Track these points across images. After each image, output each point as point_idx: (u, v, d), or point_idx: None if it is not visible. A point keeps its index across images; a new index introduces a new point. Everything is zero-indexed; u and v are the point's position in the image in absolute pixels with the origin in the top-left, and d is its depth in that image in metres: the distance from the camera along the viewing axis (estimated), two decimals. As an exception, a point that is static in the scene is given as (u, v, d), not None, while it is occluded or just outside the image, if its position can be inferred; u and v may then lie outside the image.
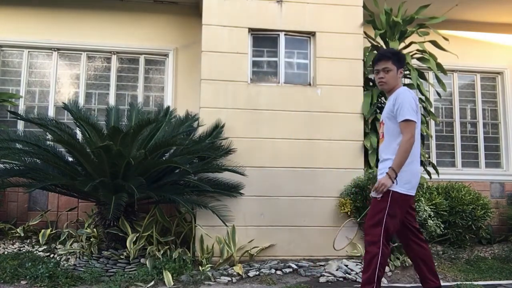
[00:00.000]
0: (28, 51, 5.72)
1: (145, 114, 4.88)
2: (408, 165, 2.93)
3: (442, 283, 4.11)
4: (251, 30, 4.88)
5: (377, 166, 4.78)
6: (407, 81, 5.68)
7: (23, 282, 3.70)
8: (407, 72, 5.23)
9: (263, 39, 4.98)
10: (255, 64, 4.96)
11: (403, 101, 2.93)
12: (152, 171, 4.19)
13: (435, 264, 4.70)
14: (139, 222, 4.35)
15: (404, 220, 3.10)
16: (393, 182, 2.88)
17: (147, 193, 3.97)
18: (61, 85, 5.78)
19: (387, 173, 2.90)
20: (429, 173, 5.31)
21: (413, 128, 2.92)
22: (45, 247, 4.68)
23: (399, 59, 3.14)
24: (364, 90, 4.97)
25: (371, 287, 2.87)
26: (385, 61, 3.10)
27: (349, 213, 4.53)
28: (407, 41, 5.19)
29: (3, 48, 5.70)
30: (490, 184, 6.27)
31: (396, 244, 4.52)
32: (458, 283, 4.08)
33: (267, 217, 4.61)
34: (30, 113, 5.34)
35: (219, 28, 4.79)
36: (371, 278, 2.87)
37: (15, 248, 4.68)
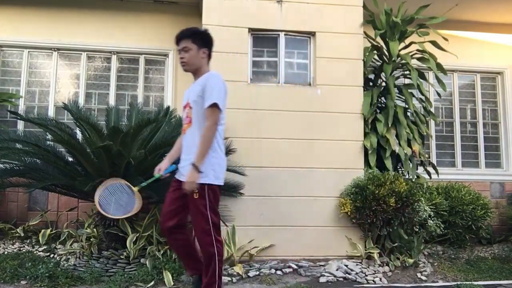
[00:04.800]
0: (28, 51, 5.72)
1: (145, 114, 4.88)
2: (220, 153, 2.85)
3: (442, 283, 4.17)
4: (251, 30, 4.88)
5: (376, 166, 4.81)
6: (407, 81, 5.70)
7: (23, 282, 3.70)
8: (407, 72, 5.24)
9: (263, 39, 4.98)
10: (255, 64, 4.96)
11: (215, 86, 2.79)
12: (152, 171, 4.18)
13: (435, 264, 4.72)
14: (139, 222, 4.35)
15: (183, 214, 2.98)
16: (199, 172, 2.72)
17: (147, 193, 3.96)
18: (61, 85, 5.78)
19: (192, 167, 2.72)
20: (429, 173, 5.31)
21: (218, 115, 2.77)
22: (45, 247, 4.68)
23: (201, 38, 2.96)
24: (364, 90, 4.96)
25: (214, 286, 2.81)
26: (185, 40, 2.92)
27: (349, 213, 4.54)
28: (407, 41, 5.19)
29: (3, 48, 5.70)
30: (490, 184, 6.27)
31: (396, 244, 4.52)
32: (458, 283, 4.09)
33: (267, 217, 4.61)
34: (30, 113, 5.34)
35: (219, 28, 4.78)
36: (212, 279, 2.80)
37: (15, 248, 4.68)
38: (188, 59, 2.92)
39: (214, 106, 2.74)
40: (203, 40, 2.97)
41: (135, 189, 2.93)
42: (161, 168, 3.02)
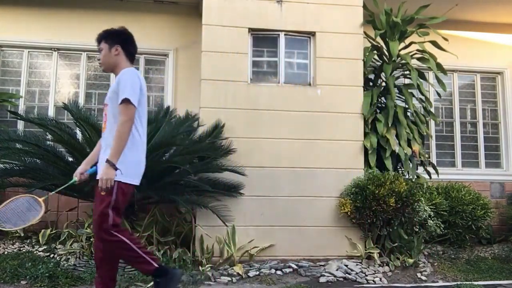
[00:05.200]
0: (28, 51, 5.71)
1: (145, 114, 4.86)
2: (132, 151, 2.72)
3: (442, 283, 4.16)
4: (251, 30, 4.88)
5: (376, 166, 4.81)
6: (407, 81, 5.70)
7: (23, 282, 3.70)
8: (407, 72, 5.24)
9: (263, 39, 4.98)
10: (255, 64, 4.96)
11: (127, 81, 2.72)
12: (152, 171, 4.17)
13: (435, 264, 4.72)
14: (139, 222, 4.35)
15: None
16: (117, 169, 2.63)
17: (147, 193, 3.97)
18: (61, 85, 5.78)
19: (107, 163, 2.62)
20: (429, 173, 5.31)
21: (132, 111, 2.68)
22: (45, 247, 4.67)
23: (111, 37, 2.93)
24: (364, 90, 4.97)
25: (150, 265, 2.68)
26: (101, 42, 2.94)
27: (349, 213, 4.53)
28: (407, 41, 5.19)
29: (3, 48, 5.70)
30: (490, 184, 6.27)
31: (396, 244, 4.52)
32: (458, 283, 4.09)
33: (267, 217, 4.61)
34: (30, 113, 5.33)
35: (219, 28, 4.79)
36: (140, 257, 2.68)
37: (15, 248, 4.68)
38: (101, 59, 2.93)
39: (126, 101, 2.66)
40: (114, 38, 2.93)
41: (41, 199, 2.90)
42: (78, 172, 2.92)
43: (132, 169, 2.74)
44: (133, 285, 3.72)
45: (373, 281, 4.10)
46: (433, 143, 6.38)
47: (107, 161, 2.62)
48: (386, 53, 5.22)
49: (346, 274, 4.16)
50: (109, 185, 2.62)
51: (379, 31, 5.09)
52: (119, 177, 2.67)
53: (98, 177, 2.70)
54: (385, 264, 4.40)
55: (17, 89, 5.65)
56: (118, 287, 3.59)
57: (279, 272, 4.17)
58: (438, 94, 5.51)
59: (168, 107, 5.02)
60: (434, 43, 5.14)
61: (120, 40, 2.94)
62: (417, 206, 4.57)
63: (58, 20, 5.72)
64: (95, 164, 2.91)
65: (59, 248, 4.59)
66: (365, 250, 4.54)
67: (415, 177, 5.02)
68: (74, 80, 5.79)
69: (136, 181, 2.78)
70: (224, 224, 4.41)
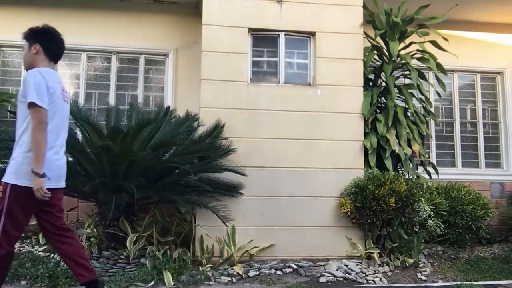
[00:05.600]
0: (28, 51, 5.71)
1: (145, 114, 4.88)
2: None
3: (442, 283, 4.16)
4: (251, 30, 4.88)
5: (376, 166, 4.81)
6: (407, 81, 5.70)
7: (23, 282, 3.70)
8: (407, 72, 5.24)
9: (263, 39, 4.98)
10: (255, 64, 4.96)
11: (29, 83, 2.60)
12: (152, 171, 4.19)
13: (435, 264, 4.71)
14: (139, 222, 4.35)
15: (44, 221, 2.85)
16: (43, 177, 2.56)
17: (147, 193, 3.97)
18: (61, 85, 5.77)
19: (32, 173, 2.55)
20: (429, 173, 5.31)
21: (42, 114, 2.59)
22: (45, 247, 4.67)
23: (32, 35, 2.85)
24: (364, 90, 4.97)
25: None
26: (24, 41, 2.86)
27: (349, 213, 4.53)
28: (407, 41, 5.19)
29: (3, 48, 5.70)
30: (490, 184, 6.27)
31: (396, 244, 4.52)
32: (458, 283, 4.09)
33: (267, 217, 4.61)
34: (30, 113, 5.34)
35: (219, 28, 4.79)
36: None
37: (15, 248, 4.64)
38: (23, 58, 2.89)
39: (33, 105, 2.58)
40: (35, 36, 2.86)
41: None
42: None
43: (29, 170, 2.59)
44: (133, 285, 3.72)
45: (373, 281, 4.10)
46: (433, 143, 6.38)
47: (32, 170, 2.56)
48: (386, 53, 5.22)
49: (346, 274, 4.16)
50: (43, 194, 2.57)
51: (379, 31, 5.09)
52: (12, 180, 2.59)
53: (4, 179, 2.62)
54: (385, 264, 4.40)
55: (17, 89, 5.64)
56: (118, 287, 3.60)
57: (279, 272, 4.17)
58: (438, 94, 5.51)
59: (168, 107, 5.02)
60: (434, 43, 5.14)
61: (40, 39, 2.86)
62: (417, 206, 4.57)
63: (58, 20, 5.67)
64: None
65: (59, 248, 4.59)
66: (365, 250, 4.54)
67: (415, 177, 5.02)
68: (74, 80, 5.79)
69: (48, 184, 2.64)
70: (224, 224, 4.41)
